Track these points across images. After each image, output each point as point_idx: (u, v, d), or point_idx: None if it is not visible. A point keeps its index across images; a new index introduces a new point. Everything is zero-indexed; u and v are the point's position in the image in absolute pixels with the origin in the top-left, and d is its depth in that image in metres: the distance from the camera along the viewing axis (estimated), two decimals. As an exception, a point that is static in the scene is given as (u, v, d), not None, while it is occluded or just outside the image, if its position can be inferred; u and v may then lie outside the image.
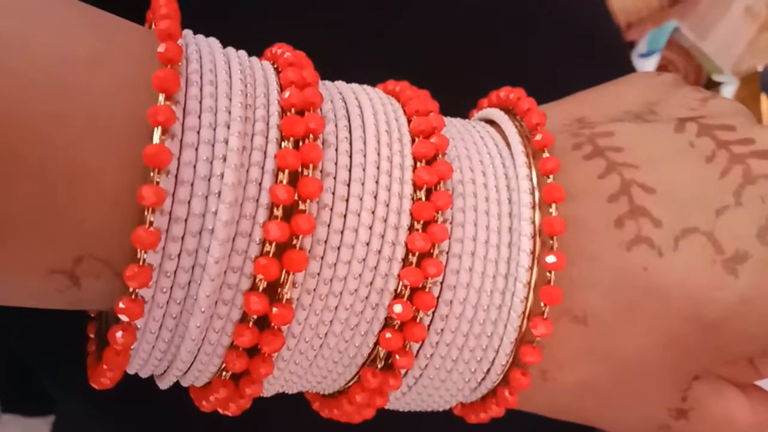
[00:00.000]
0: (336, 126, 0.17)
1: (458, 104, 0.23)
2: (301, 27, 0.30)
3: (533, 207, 0.18)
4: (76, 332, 0.18)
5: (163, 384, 0.17)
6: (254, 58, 0.18)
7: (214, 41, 0.17)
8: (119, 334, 0.14)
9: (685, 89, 0.21)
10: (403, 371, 0.17)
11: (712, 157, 0.18)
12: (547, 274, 0.17)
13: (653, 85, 0.21)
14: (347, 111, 0.17)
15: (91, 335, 0.18)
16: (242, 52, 0.17)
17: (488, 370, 0.18)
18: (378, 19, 0.32)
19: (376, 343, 0.17)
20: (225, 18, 0.29)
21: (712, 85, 0.79)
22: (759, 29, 0.87)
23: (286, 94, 0.16)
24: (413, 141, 0.17)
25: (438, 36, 0.33)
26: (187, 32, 0.17)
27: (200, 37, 0.17)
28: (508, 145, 0.19)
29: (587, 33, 0.38)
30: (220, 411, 0.17)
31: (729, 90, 0.77)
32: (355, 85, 0.19)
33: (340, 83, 0.19)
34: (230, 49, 0.17)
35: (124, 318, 0.14)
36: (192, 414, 0.27)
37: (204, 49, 0.16)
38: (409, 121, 0.18)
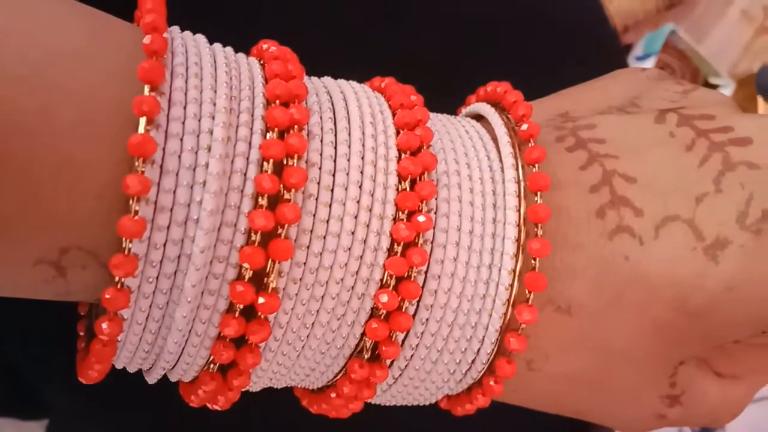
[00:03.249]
0: (321, 118, 0.17)
1: (452, 107, 0.23)
2: (293, 28, 0.30)
3: (518, 196, 0.18)
4: (71, 336, 0.18)
5: (151, 378, 0.17)
6: (241, 54, 0.18)
7: (200, 37, 0.17)
8: (105, 324, 0.15)
9: (667, 82, 0.21)
10: (388, 362, 0.17)
11: (691, 146, 0.18)
12: (532, 261, 0.17)
13: (637, 79, 0.22)
14: (332, 104, 0.17)
15: (81, 333, 0.18)
16: (228, 48, 0.18)
17: (473, 360, 0.18)
18: (373, 20, 0.32)
19: (363, 334, 0.17)
20: (215, 19, 0.30)
21: (709, 88, 0.79)
22: (755, 32, 0.87)
23: (271, 86, 0.16)
24: (398, 133, 0.17)
25: (434, 39, 0.33)
26: (174, 28, 0.17)
27: (187, 33, 0.17)
28: (493, 138, 0.19)
29: (583, 36, 0.38)
30: (209, 406, 0.17)
31: (725, 93, 0.77)
32: (341, 81, 0.19)
33: (326, 78, 0.19)
34: (216, 45, 0.17)
35: (110, 308, 0.14)
36: (188, 418, 0.28)
37: (189, 43, 0.16)
38: (394, 115, 0.18)
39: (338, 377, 0.18)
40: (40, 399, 0.32)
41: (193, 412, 0.24)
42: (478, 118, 0.21)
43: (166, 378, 0.18)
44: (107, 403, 0.29)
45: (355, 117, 0.17)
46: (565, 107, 0.21)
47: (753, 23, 0.87)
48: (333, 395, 0.18)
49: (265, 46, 0.18)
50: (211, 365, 0.16)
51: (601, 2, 0.43)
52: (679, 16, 0.83)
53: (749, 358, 0.20)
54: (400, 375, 0.18)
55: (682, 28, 0.80)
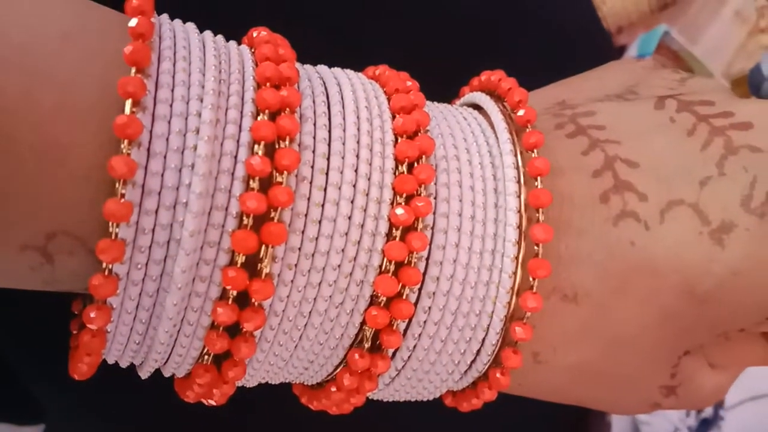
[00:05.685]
0: (314, 102, 0.16)
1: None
2: (284, 26, 0.30)
3: (518, 181, 0.17)
4: (67, 335, 0.18)
5: (143, 372, 0.17)
6: (232, 41, 0.17)
7: (189, 24, 0.17)
8: (93, 313, 0.14)
9: (664, 71, 0.21)
10: (390, 351, 0.17)
11: (693, 131, 0.18)
12: (535, 248, 0.17)
13: (633, 69, 0.21)
14: (325, 88, 0.17)
15: (74, 331, 0.18)
16: (219, 36, 0.17)
17: (478, 351, 0.18)
18: (369, 20, 0.32)
19: (363, 323, 0.16)
20: (210, 18, 0.29)
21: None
22: (749, 33, 0.87)
23: (261, 68, 0.15)
24: (394, 118, 0.17)
25: (426, 40, 0.33)
26: (164, 16, 0.17)
27: (176, 20, 0.17)
28: (490, 125, 0.19)
29: (576, 38, 0.38)
30: (205, 403, 0.17)
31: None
32: (334, 68, 0.19)
33: (319, 66, 0.19)
34: (206, 32, 0.17)
35: (97, 296, 0.14)
36: (188, 414, 0.27)
37: (178, 28, 0.16)
38: (389, 100, 0.18)
39: (338, 370, 0.18)
40: (37, 403, 0.31)
41: (192, 414, 0.23)
42: (474, 109, 0.21)
43: (165, 381, 0.17)
44: (103, 406, 0.29)
45: (349, 101, 0.17)
46: (562, 96, 0.21)
47: (747, 24, 0.87)
48: (333, 389, 0.18)
49: (255, 33, 0.18)
50: (206, 357, 0.16)
51: (593, 4, 0.42)
52: (673, 17, 0.83)
53: (743, 350, 0.20)
54: (402, 367, 0.17)
55: (676, 29, 0.80)
